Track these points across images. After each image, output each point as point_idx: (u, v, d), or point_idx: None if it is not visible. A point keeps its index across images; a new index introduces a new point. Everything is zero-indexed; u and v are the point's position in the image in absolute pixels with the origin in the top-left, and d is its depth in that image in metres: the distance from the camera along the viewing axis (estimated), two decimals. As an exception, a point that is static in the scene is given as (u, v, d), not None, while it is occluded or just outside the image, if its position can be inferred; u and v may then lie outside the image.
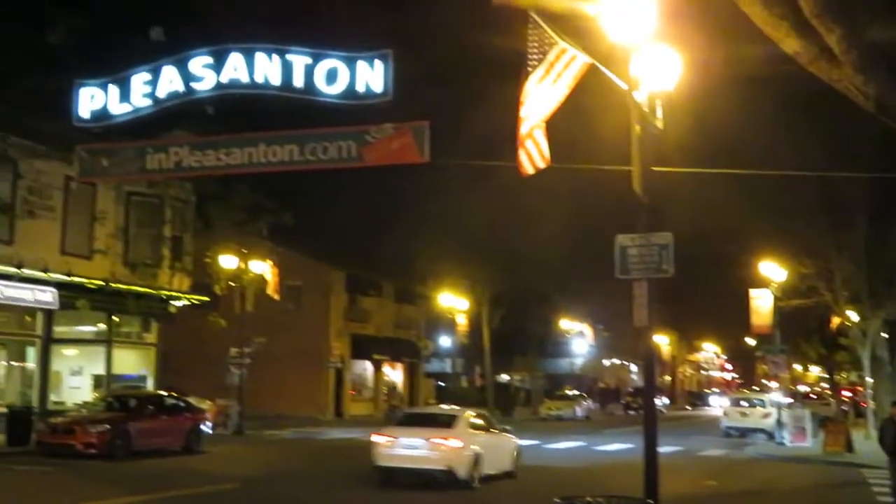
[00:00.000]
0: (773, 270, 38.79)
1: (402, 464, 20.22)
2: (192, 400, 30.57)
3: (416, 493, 19.58)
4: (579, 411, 59.21)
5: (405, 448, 20.21)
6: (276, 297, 38.57)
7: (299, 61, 14.46)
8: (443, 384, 65.01)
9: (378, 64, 14.11)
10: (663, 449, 13.82)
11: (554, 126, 12.79)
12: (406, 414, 24.88)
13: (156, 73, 15.15)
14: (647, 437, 13.05)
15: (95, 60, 16.67)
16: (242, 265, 35.43)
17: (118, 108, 15.53)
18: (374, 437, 20.97)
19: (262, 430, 36.66)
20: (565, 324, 74.45)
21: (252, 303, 37.06)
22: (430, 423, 21.39)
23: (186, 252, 34.24)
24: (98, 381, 32.87)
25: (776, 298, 39.63)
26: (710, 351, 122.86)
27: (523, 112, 12.56)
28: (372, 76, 14.14)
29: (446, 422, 21.09)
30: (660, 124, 12.85)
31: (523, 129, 12.61)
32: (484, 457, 20.59)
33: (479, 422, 21.91)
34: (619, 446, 33.62)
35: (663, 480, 12.69)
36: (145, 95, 15.33)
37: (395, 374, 59.37)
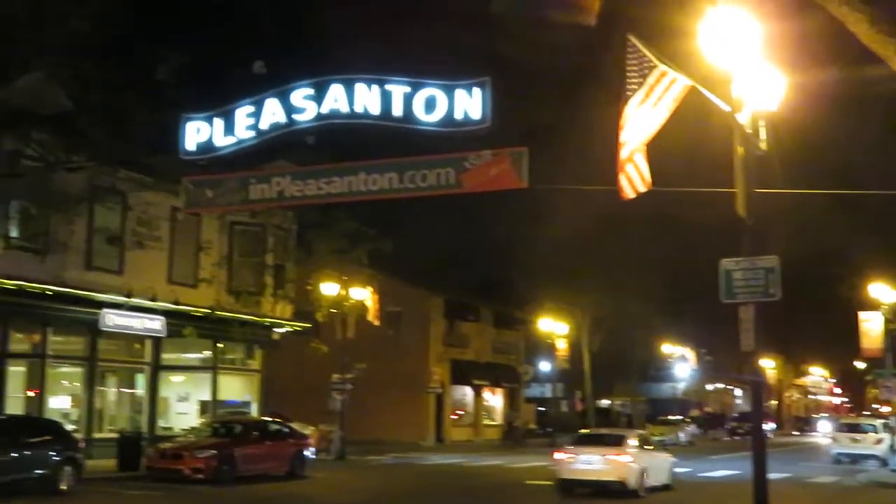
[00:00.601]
0: (883, 292, 37.63)
1: (582, 476, 24.25)
2: (295, 425, 30.93)
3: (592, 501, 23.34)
4: (683, 436, 58.13)
5: (583, 463, 24.09)
6: (377, 323, 38.86)
7: (398, 90, 14.59)
8: (543, 409, 64.61)
9: (476, 91, 14.15)
10: (772, 475, 13.46)
11: (654, 149, 12.67)
12: (580, 435, 28.11)
13: (259, 106, 15.44)
14: (755, 463, 12.78)
15: (200, 95, 17.08)
16: (343, 292, 35.80)
17: (223, 141, 15.87)
18: (557, 455, 25.26)
19: (364, 455, 36.88)
20: (667, 348, 73.38)
21: (353, 329, 37.41)
22: (602, 442, 25.21)
23: (288, 280, 34.73)
24: (204, 407, 33.51)
25: (887, 321, 38.40)
26: (817, 375, 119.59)
27: (623, 136, 12.47)
28: (470, 103, 14.18)
29: (616, 441, 24.89)
30: (763, 145, 12.64)
31: (623, 153, 12.52)
32: (648, 471, 24.26)
33: (641, 441, 25.72)
34: (725, 472, 32.92)
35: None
36: (249, 127, 15.63)
37: (494, 399, 59.21)
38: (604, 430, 33.62)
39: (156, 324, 30.17)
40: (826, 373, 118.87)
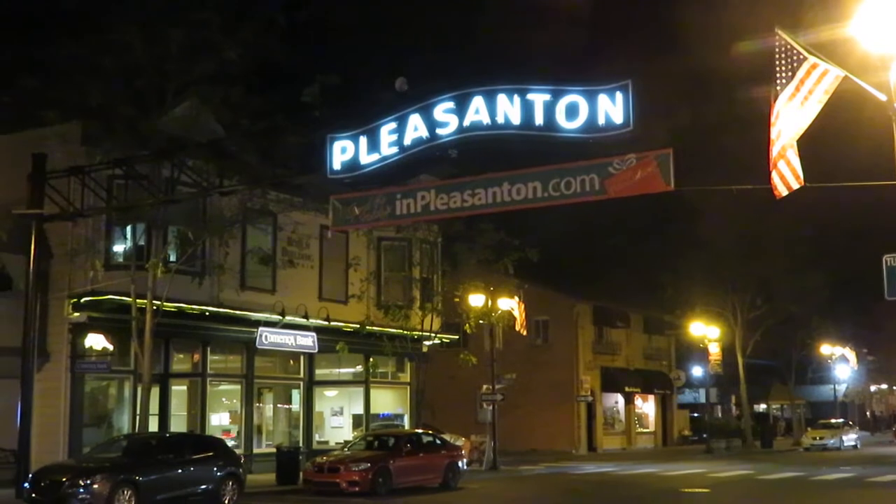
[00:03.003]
0: None
1: None
2: (447, 437, 31.07)
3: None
4: (846, 440, 56.01)
5: None
6: (524, 332, 38.78)
7: (539, 99, 14.55)
8: (696, 415, 63.30)
9: (619, 95, 14.00)
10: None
11: (807, 144, 12.25)
12: None
13: (402, 122, 15.64)
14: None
15: (345, 115, 17.40)
16: (490, 303, 35.85)
17: (367, 158, 16.13)
18: None
19: (516, 465, 36.78)
20: (826, 348, 70.88)
21: (501, 339, 37.42)
22: None
23: (435, 292, 34.98)
24: (358, 421, 34.04)
25: None
26: None
27: (774, 132, 12.13)
28: (612, 108, 14.04)
29: None
30: (924, 134, 12.07)
31: (775, 150, 12.18)
32: None
33: None
34: (890, 477, 31.54)
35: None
36: (392, 144, 15.84)
37: (646, 406, 58.31)
38: None
39: (308, 340, 30.83)
40: None
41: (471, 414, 37.76)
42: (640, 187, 14.69)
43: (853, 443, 56.49)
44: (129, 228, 26.60)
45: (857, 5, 11.44)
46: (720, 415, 63.43)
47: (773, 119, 12.12)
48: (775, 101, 12.07)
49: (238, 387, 30.44)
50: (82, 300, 25.48)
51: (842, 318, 62.31)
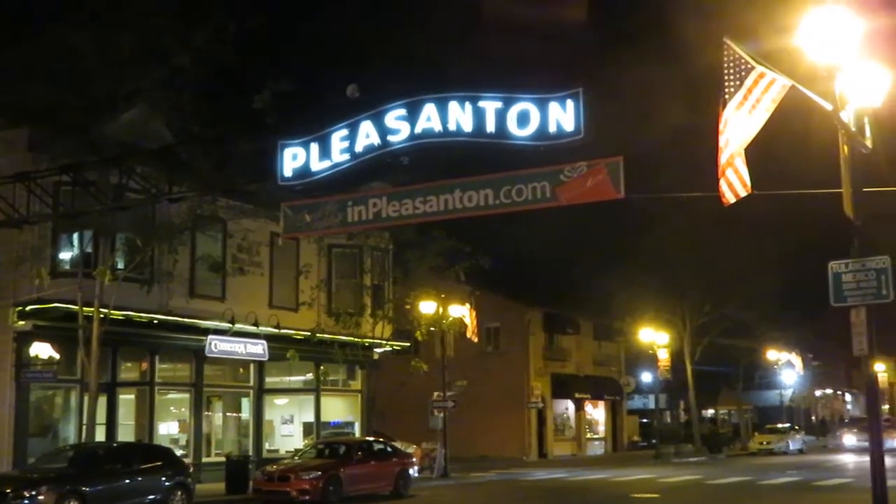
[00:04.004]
0: None
1: None
2: (398, 444, 31.06)
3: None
4: (792, 444, 56.78)
5: None
6: (476, 339, 38.88)
7: (491, 107, 14.58)
8: (646, 421, 63.78)
9: (570, 103, 14.07)
10: (891, 482, 13.02)
11: (755, 152, 12.42)
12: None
13: (353, 129, 15.59)
14: (874, 471, 12.38)
15: (297, 122, 17.32)
16: (441, 310, 35.89)
17: (319, 165, 16.06)
18: None
19: (467, 472, 36.83)
20: (772, 354, 71.79)
21: (452, 346, 37.47)
22: None
23: (387, 299, 34.99)
24: (308, 429, 33.90)
25: None
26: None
27: (722, 141, 12.27)
28: (564, 116, 14.10)
29: None
30: (869, 143, 12.28)
31: (723, 158, 12.32)
32: None
33: None
34: (837, 481, 32.03)
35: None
36: (344, 151, 15.79)
37: (596, 412, 58.66)
38: None
39: (258, 348, 30.66)
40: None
41: (422, 421, 37.73)
42: (591, 195, 14.77)
43: (799, 447, 57.27)
44: (76, 235, 26.29)
45: (804, 15, 11.62)
46: (669, 420, 63.96)
47: (721, 127, 12.27)
48: (723, 109, 12.22)
49: (187, 395, 30.17)
50: (28, 308, 25.12)
51: (789, 325, 63.15)
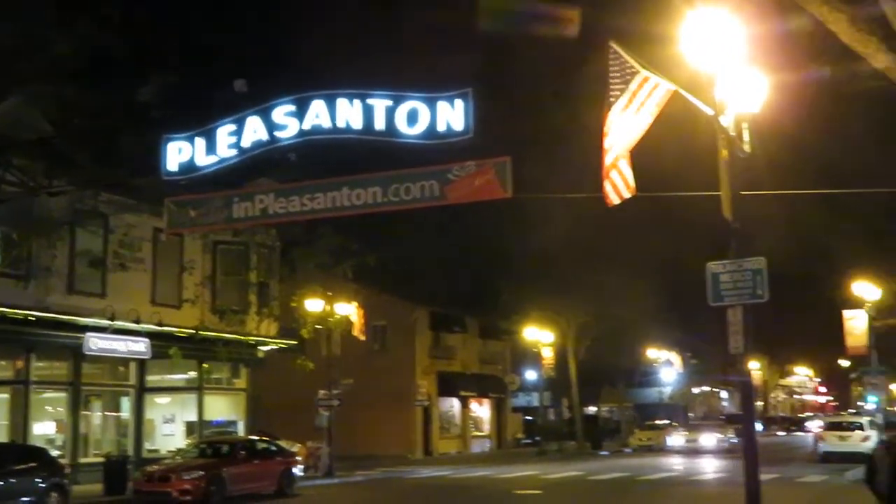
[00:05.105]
0: (867, 290, 37.86)
1: (838, 449, 37.24)
2: (282, 443, 30.79)
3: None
4: (670, 441, 58.13)
5: (839, 440, 37.84)
6: (362, 337, 38.77)
7: (380, 104, 14.59)
8: (530, 418, 64.55)
9: (458, 103, 14.17)
10: (761, 476, 13.44)
11: (639, 155, 12.69)
12: (828, 422, 41.10)
13: (240, 124, 15.42)
14: (747, 464, 12.77)
15: (182, 115, 17.04)
16: (328, 308, 35.69)
17: (204, 160, 15.83)
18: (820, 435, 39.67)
19: (353, 470, 36.72)
20: (652, 353, 73.49)
21: (338, 345, 37.28)
22: (846, 427, 38.65)
23: (273, 297, 34.64)
24: (190, 428, 33.31)
25: (871, 318, 38.63)
26: (802, 374, 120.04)
27: (607, 143, 12.50)
28: (453, 115, 14.20)
29: (859, 426, 38.03)
30: (747, 147, 12.66)
31: (608, 160, 12.55)
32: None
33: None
34: (716, 475, 32.97)
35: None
36: (230, 146, 15.60)
37: (481, 409, 59.14)
38: (845, 418, 43.47)
39: (140, 346, 29.98)
40: (811, 372, 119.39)
41: (308, 420, 37.41)
42: (478, 194, 14.91)
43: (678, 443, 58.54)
44: (-51, 229, 25.31)
45: (686, 22, 11.91)
46: (553, 418, 64.88)
47: (606, 130, 12.50)
48: (609, 112, 12.46)
49: (64, 394, 29.31)
50: None
51: (669, 324, 64.70)
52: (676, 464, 41.24)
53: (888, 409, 48.05)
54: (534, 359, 55.65)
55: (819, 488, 29.06)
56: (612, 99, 12.41)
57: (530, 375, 60.58)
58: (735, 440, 52.52)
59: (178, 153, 15.98)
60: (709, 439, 50.90)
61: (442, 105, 14.29)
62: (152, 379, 32.22)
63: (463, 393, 55.53)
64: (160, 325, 30.34)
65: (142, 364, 31.16)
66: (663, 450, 55.41)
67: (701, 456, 46.98)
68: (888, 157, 27.84)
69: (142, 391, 31.56)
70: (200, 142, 15.80)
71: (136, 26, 22.26)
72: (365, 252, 34.10)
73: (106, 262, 28.73)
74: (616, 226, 41.10)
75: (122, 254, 29.53)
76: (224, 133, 15.61)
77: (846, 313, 40.25)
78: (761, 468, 13.58)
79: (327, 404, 36.34)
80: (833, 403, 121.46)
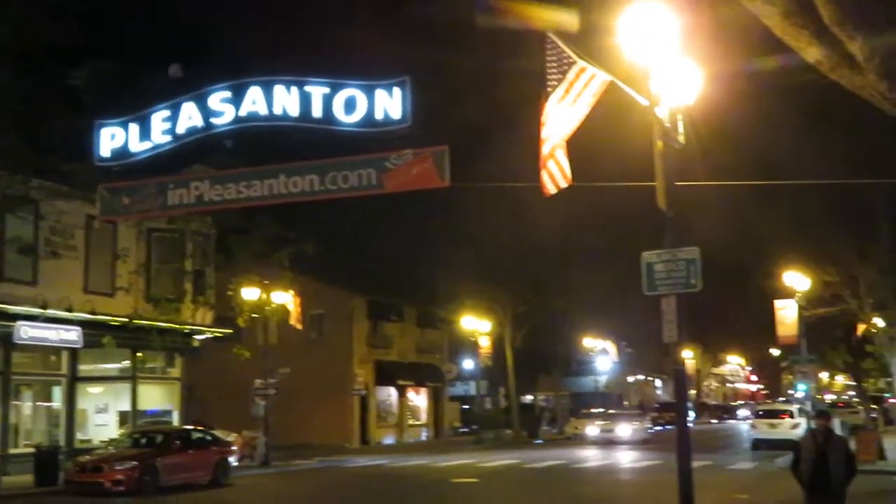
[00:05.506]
0: (797, 280, 38.58)
1: (768, 437, 38.94)
2: (218, 433, 30.57)
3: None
4: (587, 430, 58.30)
5: (770, 428, 39.78)
6: (299, 326, 38.57)
7: (317, 92, 14.49)
8: (467, 407, 64.79)
9: (396, 91, 14.12)
10: (693, 463, 13.64)
11: (576, 145, 12.75)
12: (758, 410, 44.27)
13: (175, 110, 15.20)
14: (680, 452, 12.92)
15: (116, 100, 16.74)
16: (265, 296, 35.45)
17: (138, 146, 15.60)
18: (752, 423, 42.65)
19: (289, 460, 36.58)
20: (588, 342, 74.17)
21: (275, 334, 37.06)
22: (776, 415, 41.14)
23: (209, 286, 34.30)
24: (124, 418, 32.88)
25: (801, 308, 39.37)
26: (734, 363, 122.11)
27: (544, 133, 12.53)
28: (391, 103, 14.15)
29: (789, 413, 40.48)
30: (682, 139, 12.79)
31: (545, 150, 12.58)
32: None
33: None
34: (647, 463, 33.41)
35: (694, 495, 12.54)
36: (165, 132, 15.39)
37: (419, 398, 59.20)
38: (777, 406, 47.12)
39: (72, 335, 29.50)
40: (743, 361, 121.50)
41: (244, 409, 37.18)
42: (416, 182, 14.87)
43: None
44: None
45: (623, 14, 11.99)
46: (490, 406, 65.19)
47: (543, 120, 12.54)
48: (546, 102, 12.50)
49: (-6, 384, 28.76)
50: None
51: (605, 313, 65.34)
52: (593, 456, 41.69)
53: (817, 397, 48.93)
54: (471, 348, 55.84)
55: (750, 474, 29.62)
56: (549, 89, 12.44)
57: (468, 364, 60.80)
58: (652, 430, 53.13)
59: (110, 139, 15.71)
60: (625, 429, 48.96)
61: (380, 93, 14.22)
62: (85, 368, 31.75)
63: (400, 382, 55.53)
64: (93, 313, 29.90)
65: (74, 353, 30.67)
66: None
67: (616, 447, 44.88)
68: (819, 149, 28.43)
69: (74, 380, 31.07)
70: (134, 128, 15.56)
71: (69, 11, 21.87)
72: (302, 240, 33.91)
73: (37, 249, 28.21)
74: (553, 216, 41.38)
75: (54, 241, 29.02)
76: (158, 119, 15.39)
77: (777, 303, 40.96)
78: (694, 455, 13.76)
79: (263, 393, 36.14)
80: (764, 392, 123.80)
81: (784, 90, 15.63)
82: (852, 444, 31.33)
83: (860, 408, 57.61)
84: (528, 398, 69.99)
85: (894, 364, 37.98)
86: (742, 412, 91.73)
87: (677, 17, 11.76)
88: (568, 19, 12.37)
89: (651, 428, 52.89)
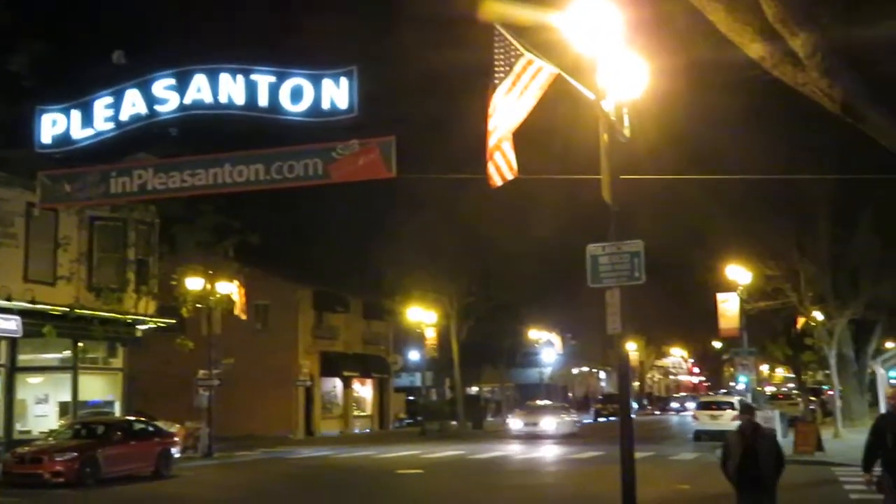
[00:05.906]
0: (739, 273, 39.11)
1: (710, 428, 39.22)
2: (160, 424, 30.27)
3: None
4: (511, 424, 58.45)
5: (711, 419, 40.29)
6: (244, 317, 38.27)
7: (263, 81, 14.40)
8: (412, 398, 64.83)
9: (343, 81, 14.08)
10: (635, 454, 13.78)
11: (523, 137, 12.79)
12: (700, 402, 45.24)
13: (118, 97, 15.02)
14: (623, 443, 13.03)
15: (58, 86, 16.50)
16: (209, 286, 35.12)
17: (80, 133, 15.39)
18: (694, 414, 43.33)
19: (233, 451, 36.32)
20: (534, 334, 74.53)
21: (219, 324, 36.75)
22: (717, 407, 41.33)
23: (152, 275, 33.93)
24: (64, 409, 32.42)
25: (742, 301, 39.93)
26: (677, 356, 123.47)
27: (491, 124, 12.56)
28: (337, 93, 14.10)
29: (730, 405, 40.44)
30: (627, 133, 12.87)
31: (491, 142, 12.62)
32: None
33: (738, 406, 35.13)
34: (591, 454, 33.69)
35: (637, 485, 12.66)
36: (108, 119, 15.20)
37: (364, 389, 59.12)
38: (719, 398, 47.22)
39: (11, 324, 29.03)
40: (685, 353, 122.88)
41: (187, 400, 36.82)
42: (362, 173, 14.85)
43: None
44: None
45: (569, 6, 12.04)
46: (435, 398, 65.32)
47: (490, 112, 12.56)
48: (493, 94, 12.52)
49: (-70, 374, 28.24)
50: None
51: (550, 306, 65.64)
52: (558, 442, 41.97)
53: (758, 389, 49.66)
54: (417, 339, 55.87)
55: (691, 465, 29.99)
56: (496, 81, 12.46)
57: (413, 356, 60.82)
58: (580, 423, 53.34)
59: (52, 125, 15.49)
60: (549, 423, 47.22)
61: (326, 83, 14.17)
62: (24, 358, 31.24)
63: (346, 373, 55.40)
64: (33, 302, 29.44)
65: (13, 343, 30.17)
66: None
67: (540, 442, 42.93)
68: (761, 144, 28.82)
69: (13, 370, 30.55)
70: (76, 114, 15.35)
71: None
72: (247, 230, 33.65)
73: (-26, 236, 27.73)
74: (500, 208, 41.55)
75: (-7, 229, 28.54)
76: (101, 106, 15.20)
77: (719, 296, 41.55)
78: (637, 447, 13.89)
79: (207, 384, 35.83)
80: (706, 384, 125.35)
81: (728, 86, 15.80)
82: (791, 436, 32.14)
83: (799, 400, 58.58)
84: (474, 390, 70.21)
85: (832, 357, 38.61)
86: (675, 404, 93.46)
87: (622, 11, 11.84)
88: (515, 11, 12.40)
89: (579, 421, 52.90)
